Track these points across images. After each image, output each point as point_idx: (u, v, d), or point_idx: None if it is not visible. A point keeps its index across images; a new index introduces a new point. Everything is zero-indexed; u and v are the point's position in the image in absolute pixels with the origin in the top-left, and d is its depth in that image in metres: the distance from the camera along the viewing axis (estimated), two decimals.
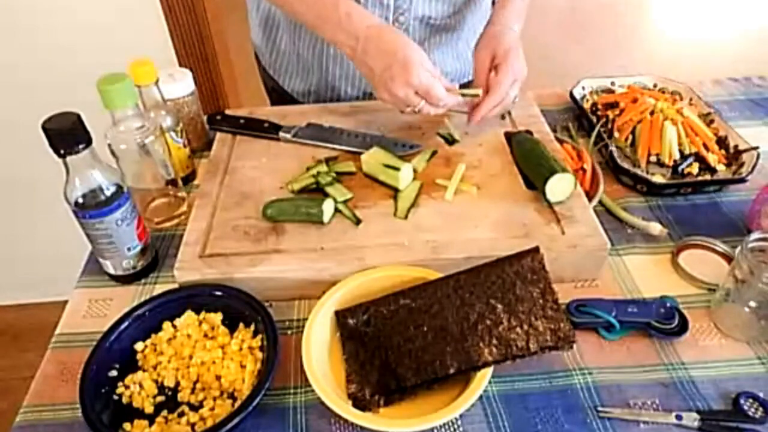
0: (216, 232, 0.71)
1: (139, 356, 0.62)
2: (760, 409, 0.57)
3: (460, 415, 0.57)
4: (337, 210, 0.72)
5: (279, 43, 0.94)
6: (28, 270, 1.78)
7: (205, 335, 0.64)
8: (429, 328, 0.59)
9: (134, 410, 0.58)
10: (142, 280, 0.73)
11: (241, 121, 0.89)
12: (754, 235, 0.62)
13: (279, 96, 1.04)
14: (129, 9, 1.36)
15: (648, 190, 0.82)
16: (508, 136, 0.85)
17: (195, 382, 0.61)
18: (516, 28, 0.83)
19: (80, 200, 0.64)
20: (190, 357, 0.62)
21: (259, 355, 0.61)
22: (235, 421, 0.52)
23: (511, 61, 0.78)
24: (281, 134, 0.86)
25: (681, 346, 0.63)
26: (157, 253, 0.75)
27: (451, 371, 0.56)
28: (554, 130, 0.88)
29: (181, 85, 0.85)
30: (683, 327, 0.63)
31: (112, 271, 0.71)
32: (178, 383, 0.61)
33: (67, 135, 0.59)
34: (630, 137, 0.87)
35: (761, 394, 0.58)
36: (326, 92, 0.97)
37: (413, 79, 0.70)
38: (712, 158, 0.83)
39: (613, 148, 0.85)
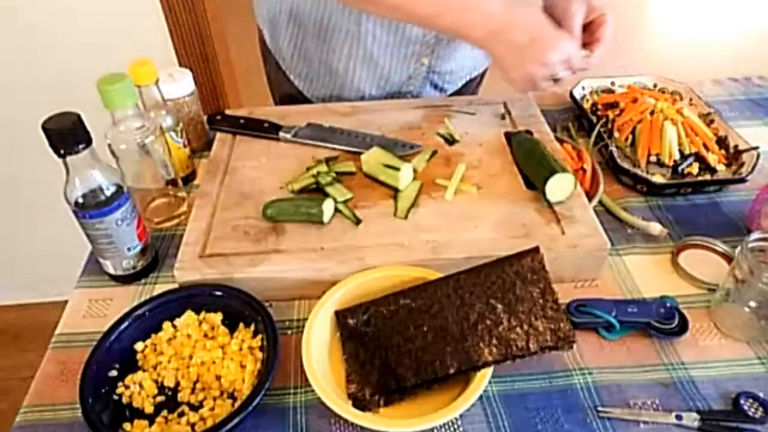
0: (216, 232, 0.71)
1: (139, 356, 0.62)
2: (760, 409, 0.57)
3: (460, 415, 0.57)
4: (337, 210, 0.72)
5: (302, 47, 0.93)
6: (28, 270, 1.78)
7: (205, 335, 0.64)
8: (429, 328, 0.59)
9: (134, 410, 0.58)
10: (142, 280, 0.73)
11: (241, 121, 0.88)
12: (754, 235, 0.62)
13: (291, 101, 1.02)
14: (129, 9, 1.36)
15: (648, 190, 0.82)
16: (508, 136, 0.85)
17: (195, 382, 0.61)
18: None
19: (80, 200, 0.64)
20: (190, 357, 0.62)
21: (259, 355, 0.61)
22: (235, 421, 0.52)
23: (609, 17, 0.79)
24: (281, 134, 0.86)
25: (681, 346, 0.63)
26: (157, 253, 0.75)
27: (451, 371, 0.56)
28: (554, 130, 0.88)
29: (181, 85, 0.85)
30: (683, 327, 0.63)
31: (112, 271, 0.71)
32: (178, 383, 0.61)
33: (67, 135, 0.59)
34: (630, 137, 0.87)
35: (761, 394, 0.58)
36: (350, 94, 0.96)
37: (565, 46, 0.71)
38: (712, 158, 0.83)
39: (613, 148, 0.85)
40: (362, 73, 0.93)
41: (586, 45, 0.78)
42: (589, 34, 0.79)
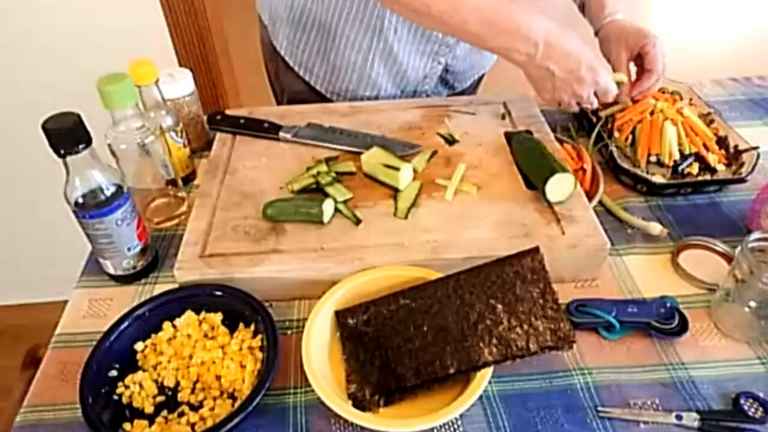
0: (216, 232, 0.71)
1: (139, 356, 0.62)
2: (760, 409, 0.57)
3: (460, 415, 0.57)
4: (337, 210, 0.72)
5: (318, 42, 0.93)
6: (28, 270, 1.78)
7: (205, 335, 0.64)
8: (429, 328, 0.59)
9: (134, 410, 0.58)
10: (142, 280, 0.73)
11: (241, 121, 0.88)
12: (754, 235, 0.62)
13: (299, 99, 1.02)
14: (129, 9, 1.36)
15: (648, 190, 0.82)
16: (508, 136, 0.85)
17: (195, 382, 0.61)
18: (619, 15, 0.90)
19: (80, 200, 0.64)
20: (190, 357, 0.62)
21: (259, 355, 0.61)
22: (235, 421, 0.52)
23: (656, 45, 0.84)
24: (281, 134, 0.86)
25: (681, 346, 0.63)
26: (157, 253, 0.75)
27: (451, 371, 0.56)
28: (554, 130, 0.88)
29: (181, 85, 0.85)
30: (683, 327, 0.63)
31: (112, 271, 0.71)
32: (178, 383, 0.61)
33: (67, 135, 0.59)
34: (630, 137, 0.87)
35: (761, 394, 0.58)
36: (365, 89, 0.96)
37: (600, 80, 0.76)
38: (712, 158, 0.83)
39: (613, 148, 0.85)
40: (380, 68, 0.93)
41: (638, 76, 0.85)
42: (642, 62, 0.85)
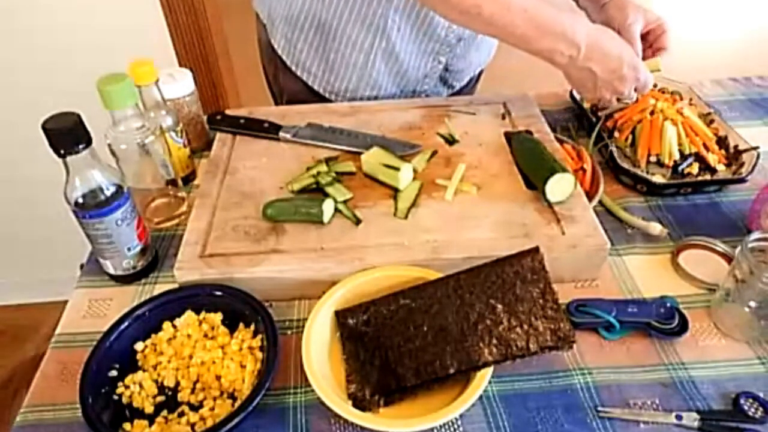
0: (216, 232, 0.71)
1: (139, 356, 0.62)
2: (760, 409, 0.57)
3: (460, 415, 0.57)
4: (337, 210, 0.72)
5: (312, 42, 0.93)
6: (28, 270, 1.78)
7: (205, 335, 0.64)
8: (429, 328, 0.59)
9: (134, 410, 0.58)
10: (142, 280, 0.73)
11: (241, 121, 0.88)
12: (754, 235, 0.62)
13: (297, 99, 1.01)
14: (129, 9, 1.36)
15: (648, 190, 0.82)
16: (508, 136, 0.85)
17: (195, 382, 0.61)
18: None
19: (80, 200, 0.64)
20: (190, 357, 0.62)
21: (259, 355, 0.61)
22: (235, 421, 0.52)
23: (667, 25, 0.86)
24: (281, 134, 0.86)
25: (681, 346, 0.63)
26: (157, 253, 0.75)
27: (451, 371, 0.56)
28: (554, 130, 0.88)
29: (181, 85, 0.85)
30: (683, 327, 0.63)
31: (112, 271, 0.71)
32: (178, 383, 0.61)
33: (67, 135, 0.59)
34: (630, 137, 0.87)
35: (761, 394, 0.58)
36: (365, 89, 0.96)
37: (641, 76, 0.78)
38: (712, 158, 0.83)
39: (613, 148, 0.85)
40: (381, 67, 0.93)
41: (647, 53, 0.85)
42: (648, 42, 0.86)
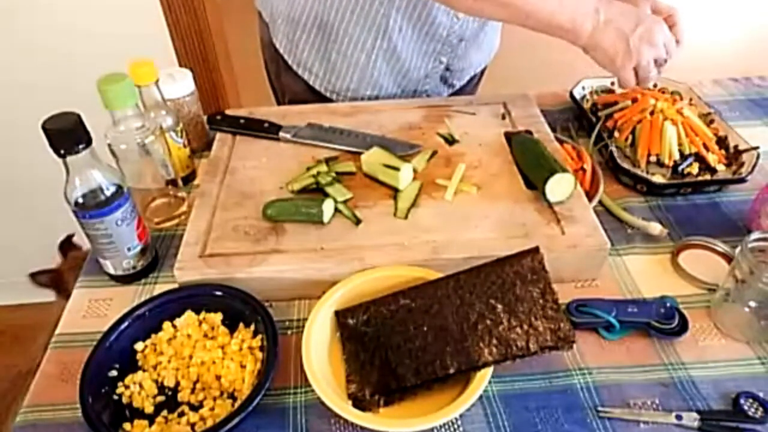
0: (216, 232, 0.71)
1: (139, 356, 0.62)
2: (760, 409, 0.57)
3: (460, 415, 0.57)
4: (337, 210, 0.72)
5: (314, 41, 0.93)
6: (28, 270, 1.78)
7: (205, 335, 0.64)
8: (429, 328, 0.59)
9: (134, 410, 0.58)
10: (142, 280, 0.73)
11: (241, 121, 0.88)
12: (754, 235, 0.62)
13: (299, 98, 1.01)
14: (129, 9, 1.36)
15: (648, 190, 0.82)
16: (508, 136, 0.85)
17: (195, 382, 0.61)
18: None
19: (80, 200, 0.64)
20: (190, 357, 0.62)
21: (259, 355, 0.61)
22: (235, 421, 0.52)
23: (679, 16, 0.82)
24: (281, 134, 0.86)
25: (681, 346, 0.63)
26: (157, 253, 0.75)
27: (451, 371, 0.56)
28: (554, 130, 0.88)
29: (181, 85, 0.85)
30: (683, 327, 0.63)
31: (112, 271, 0.71)
32: (178, 383, 0.61)
33: (67, 135, 0.59)
34: (630, 137, 0.87)
35: (761, 394, 0.58)
36: (367, 89, 0.96)
37: (665, 26, 0.75)
38: (712, 158, 0.83)
39: (613, 148, 0.85)
40: (383, 67, 0.93)
41: None
42: None
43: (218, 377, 0.60)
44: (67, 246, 1.40)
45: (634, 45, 0.73)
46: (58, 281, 1.35)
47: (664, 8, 0.83)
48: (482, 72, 1.11)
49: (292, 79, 0.99)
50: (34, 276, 1.30)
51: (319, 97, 0.99)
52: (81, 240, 1.37)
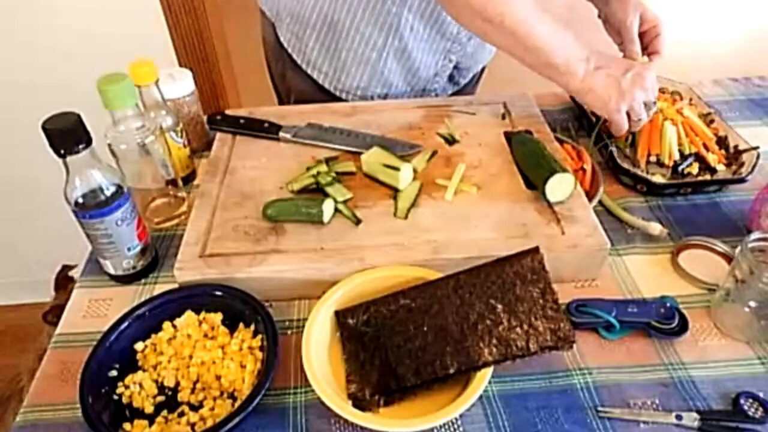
0: (216, 232, 0.71)
1: (139, 356, 0.62)
2: (760, 409, 0.57)
3: (460, 415, 0.57)
4: (337, 210, 0.72)
5: (324, 40, 0.93)
6: (28, 270, 1.78)
7: (205, 335, 0.64)
8: (429, 328, 0.59)
9: (134, 410, 0.58)
10: (142, 280, 0.73)
11: (241, 121, 0.88)
12: (754, 235, 0.62)
13: (306, 97, 1.01)
14: (129, 9, 1.36)
15: (648, 190, 0.82)
16: (508, 136, 0.85)
17: (195, 382, 0.61)
18: None
19: (80, 200, 0.64)
20: (190, 357, 0.62)
21: (259, 355, 0.61)
22: (235, 421, 0.52)
23: (663, 27, 0.85)
24: (281, 134, 0.86)
25: (681, 346, 0.63)
26: (157, 253, 0.75)
27: (451, 371, 0.56)
28: (554, 130, 0.88)
29: (181, 85, 0.85)
30: (683, 327, 0.63)
31: (112, 271, 0.71)
32: (178, 383, 0.61)
33: (67, 135, 0.59)
34: (630, 137, 0.87)
35: (761, 394, 0.58)
36: (376, 87, 0.97)
37: (652, 74, 0.77)
38: (712, 158, 0.83)
39: (613, 148, 0.85)
40: (393, 65, 0.93)
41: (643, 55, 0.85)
42: (643, 45, 0.85)
43: (218, 377, 0.60)
44: (64, 279, 1.41)
45: (626, 87, 0.75)
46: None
47: (650, 17, 0.85)
48: (481, 71, 1.11)
49: (299, 77, 0.99)
50: (44, 316, 1.31)
51: (326, 95, 0.99)
52: (76, 272, 1.38)
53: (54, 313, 1.30)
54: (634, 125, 0.79)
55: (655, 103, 0.79)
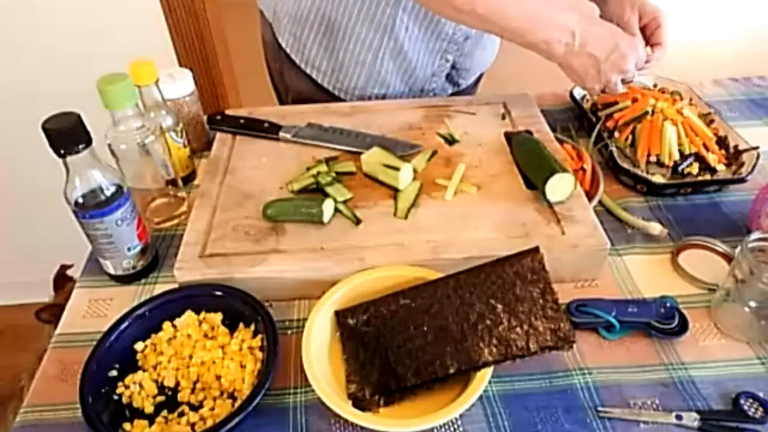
0: (216, 232, 0.71)
1: (139, 356, 0.62)
2: (760, 409, 0.57)
3: (460, 415, 0.57)
4: (337, 210, 0.72)
5: (321, 40, 0.93)
6: (27, 270, 1.78)
7: (205, 335, 0.64)
8: (429, 328, 0.59)
9: (134, 410, 0.58)
10: (142, 280, 0.73)
11: (241, 121, 0.88)
12: (754, 235, 0.62)
13: (304, 97, 1.01)
14: (129, 9, 1.36)
15: (648, 190, 0.82)
16: (508, 136, 0.85)
17: (195, 382, 0.61)
18: None
19: (80, 200, 0.64)
20: (190, 357, 0.62)
21: (259, 355, 0.61)
22: (235, 421, 0.52)
23: (664, 19, 0.86)
24: (281, 134, 0.86)
25: (681, 346, 0.63)
26: (157, 253, 0.75)
27: (451, 371, 0.56)
28: (554, 130, 0.88)
29: (181, 85, 0.85)
30: (683, 327, 0.63)
31: (112, 271, 0.71)
32: (178, 383, 0.61)
33: (67, 135, 0.59)
34: (630, 137, 0.87)
35: (761, 394, 0.58)
36: (374, 87, 0.97)
37: (640, 50, 0.79)
38: (712, 158, 0.83)
39: (613, 148, 0.85)
40: (390, 66, 0.94)
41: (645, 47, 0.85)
42: (645, 37, 0.86)
43: (218, 377, 0.60)
44: (62, 279, 1.40)
45: (605, 69, 0.77)
46: (60, 316, 1.35)
47: (649, 9, 0.86)
48: (481, 74, 1.11)
49: (297, 77, 0.99)
50: (38, 314, 1.31)
51: (324, 94, 0.99)
52: (76, 272, 1.38)
53: (49, 311, 1.30)
54: (609, 93, 0.83)
55: (634, 77, 0.81)
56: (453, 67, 0.99)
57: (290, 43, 0.96)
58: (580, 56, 0.76)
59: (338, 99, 0.99)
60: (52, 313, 1.29)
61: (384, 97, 0.98)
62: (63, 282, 1.40)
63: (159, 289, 0.71)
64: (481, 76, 1.11)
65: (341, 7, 0.87)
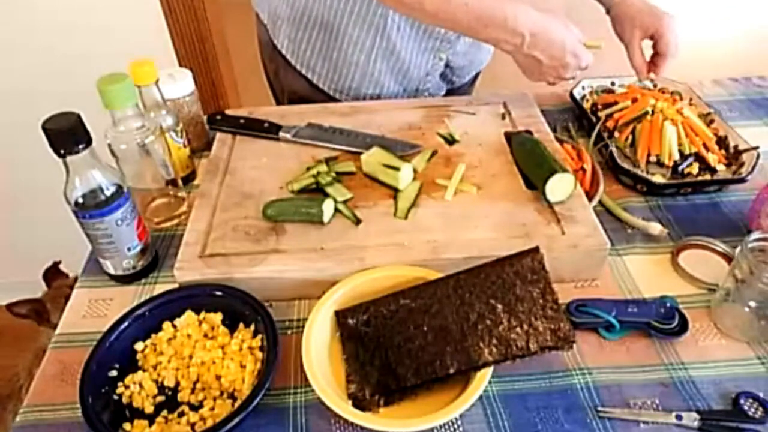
0: (216, 232, 0.71)
1: (139, 356, 0.62)
2: (760, 409, 0.57)
3: (460, 415, 0.57)
4: (337, 210, 0.72)
5: (316, 41, 0.93)
6: (27, 270, 1.78)
7: (205, 335, 0.64)
8: (429, 328, 0.59)
9: (134, 410, 0.58)
10: (142, 280, 0.72)
11: (241, 121, 0.88)
12: (754, 235, 0.62)
13: (300, 98, 1.02)
14: (129, 9, 1.36)
15: (648, 190, 0.82)
16: (508, 136, 0.85)
17: (195, 382, 0.61)
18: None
19: (80, 200, 0.64)
20: (190, 357, 0.62)
21: (259, 355, 0.61)
22: (235, 421, 0.52)
23: (670, 27, 0.87)
24: (281, 134, 0.86)
25: (681, 346, 0.63)
26: (157, 253, 0.75)
27: (451, 371, 0.56)
28: (554, 130, 0.88)
29: (181, 85, 0.85)
30: (683, 327, 0.63)
31: (112, 271, 0.71)
32: (178, 383, 0.61)
33: (67, 135, 0.59)
34: (630, 137, 0.87)
35: (761, 394, 0.58)
36: (368, 87, 0.97)
37: (582, 63, 0.81)
38: (712, 158, 0.83)
39: (613, 148, 0.85)
40: (383, 66, 0.94)
41: (653, 58, 0.89)
42: (655, 50, 0.89)
43: (218, 377, 0.60)
44: (52, 274, 1.39)
45: (546, 72, 0.81)
46: (40, 311, 1.33)
47: (648, 23, 0.88)
48: (477, 72, 1.11)
49: (292, 77, 0.99)
50: (11, 307, 1.28)
51: (320, 94, 0.99)
52: (68, 267, 1.37)
53: (25, 306, 1.28)
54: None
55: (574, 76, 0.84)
56: (447, 65, 0.99)
57: (285, 45, 0.96)
58: (527, 57, 0.79)
59: (334, 99, 0.99)
60: (31, 308, 1.27)
61: (379, 96, 0.98)
62: (54, 277, 1.39)
63: (159, 289, 0.71)
64: (477, 74, 1.11)
65: (334, 8, 0.87)
